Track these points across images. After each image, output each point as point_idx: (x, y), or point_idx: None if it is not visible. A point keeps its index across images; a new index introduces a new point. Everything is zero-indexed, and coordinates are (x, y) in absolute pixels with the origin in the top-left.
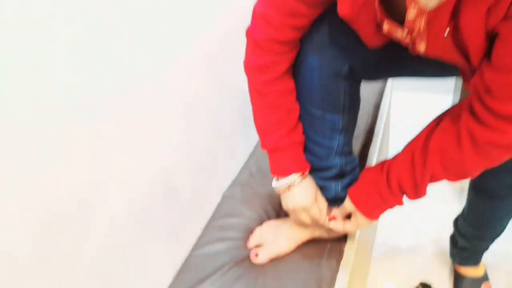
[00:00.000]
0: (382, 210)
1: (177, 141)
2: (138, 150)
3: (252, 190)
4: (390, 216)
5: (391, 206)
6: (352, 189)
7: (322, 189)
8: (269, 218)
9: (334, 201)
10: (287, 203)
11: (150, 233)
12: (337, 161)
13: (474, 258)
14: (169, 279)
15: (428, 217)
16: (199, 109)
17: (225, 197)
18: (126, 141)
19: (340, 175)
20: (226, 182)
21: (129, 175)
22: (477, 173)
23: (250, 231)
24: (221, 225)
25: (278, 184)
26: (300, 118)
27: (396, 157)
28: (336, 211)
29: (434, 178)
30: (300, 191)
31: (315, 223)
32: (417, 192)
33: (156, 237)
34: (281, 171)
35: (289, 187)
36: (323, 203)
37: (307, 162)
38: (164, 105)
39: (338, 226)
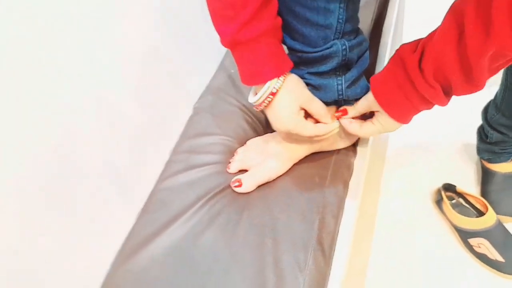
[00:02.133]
0: (417, 110)
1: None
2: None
3: (231, 97)
4: None
5: (428, 105)
6: (375, 78)
7: (319, 89)
8: (256, 133)
9: (337, 104)
10: (275, 122)
11: (103, 168)
12: (337, 47)
13: (507, 152)
14: (130, 223)
15: (447, 107)
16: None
17: (196, 110)
18: None
19: (344, 67)
20: (198, 91)
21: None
22: None
23: (230, 153)
24: (192, 147)
25: (254, 98)
26: None
27: (435, 31)
28: (349, 109)
29: (500, 55)
30: (284, 102)
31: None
32: (471, 80)
33: (111, 174)
34: (253, 77)
35: (268, 99)
36: (320, 108)
37: (288, 57)
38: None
39: (353, 126)
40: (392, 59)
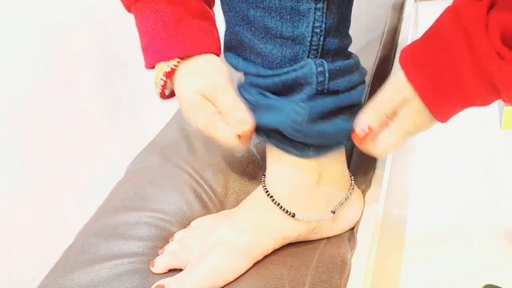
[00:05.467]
0: (469, 99)
1: None
2: None
3: (180, 158)
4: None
5: (496, 91)
6: (408, 50)
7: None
8: (207, 211)
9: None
10: (179, 86)
11: None
12: (310, 67)
13: None
14: None
15: (480, 180)
16: None
17: (128, 174)
18: None
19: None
20: (137, 147)
21: None
22: None
23: (163, 240)
24: (105, 229)
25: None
26: None
27: None
28: (368, 115)
29: None
30: (200, 63)
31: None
32: None
33: None
34: (158, 51)
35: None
36: (231, 99)
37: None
38: None
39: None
40: (430, 34)
